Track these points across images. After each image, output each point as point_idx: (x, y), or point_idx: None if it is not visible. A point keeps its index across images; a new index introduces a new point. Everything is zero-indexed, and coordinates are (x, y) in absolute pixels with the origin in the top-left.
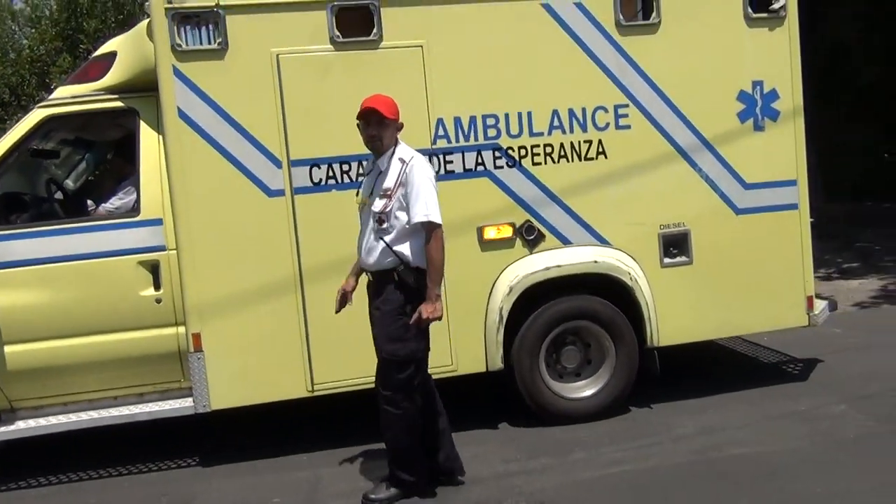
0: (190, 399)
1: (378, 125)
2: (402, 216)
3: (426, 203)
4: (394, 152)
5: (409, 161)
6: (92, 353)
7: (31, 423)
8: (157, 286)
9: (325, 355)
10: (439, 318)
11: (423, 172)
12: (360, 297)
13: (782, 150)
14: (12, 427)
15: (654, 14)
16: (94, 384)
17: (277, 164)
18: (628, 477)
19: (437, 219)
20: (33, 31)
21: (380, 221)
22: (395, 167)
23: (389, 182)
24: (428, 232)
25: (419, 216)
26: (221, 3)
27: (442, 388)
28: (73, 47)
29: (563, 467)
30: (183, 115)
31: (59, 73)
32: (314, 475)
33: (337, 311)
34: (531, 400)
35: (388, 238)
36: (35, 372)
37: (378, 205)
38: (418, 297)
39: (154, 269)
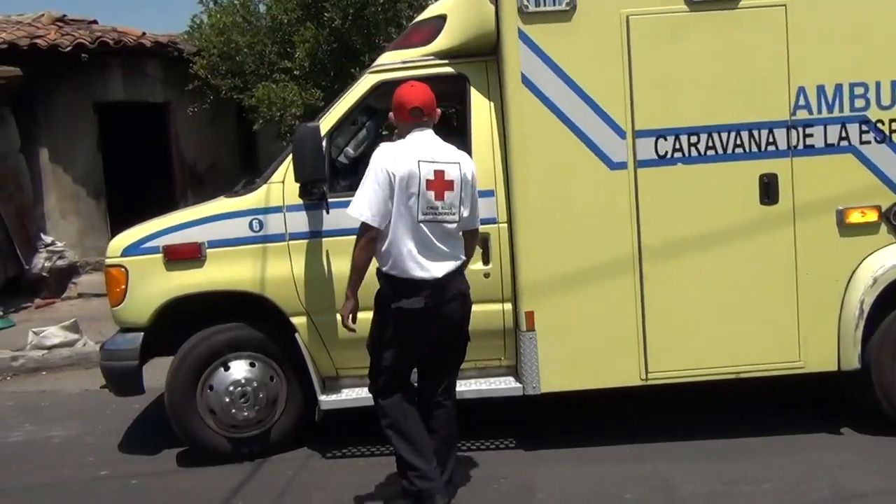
0: (512, 378)
1: None
2: None
3: (356, 196)
4: None
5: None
6: None
7: (356, 392)
8: (485, 260)
9: (662, 342)
10: (348, 322)
11: (371, 164)
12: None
13: None
14: (337, 397)
15: None
16: None
17: (621, 134)
18: None
19: (358, 214)
20: (273, 1)
21: None
22: None
23: None
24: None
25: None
26: None
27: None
28: (317, 16)
29: None
30: (526, 81)
31: (300, 41)
32: (653, 469)
33: None
34: (890, 405)
35: None
36: (360, 341)
37: None
38: (384, 299)
39: (484, 242)
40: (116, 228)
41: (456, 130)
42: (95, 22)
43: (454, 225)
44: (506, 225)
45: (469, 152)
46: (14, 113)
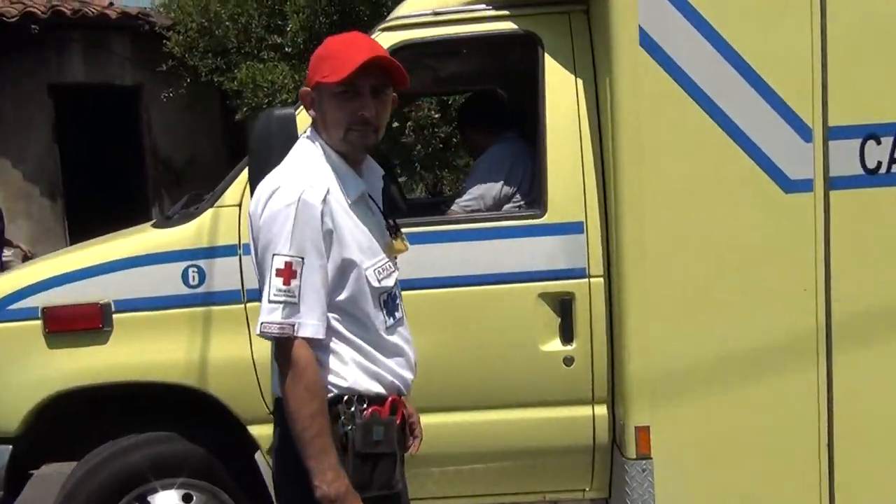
0: None
1: (388, 101)
2: None
3: None
4: None
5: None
6: (450, 437)
7: None
8: (566, 337)
9: (857, 469)
10: None
11: None
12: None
13: None
14: None
15: None
16: (445, 485)
17: (805, 133)
18: None
19: None
20: None
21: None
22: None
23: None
24: None
25: None
26: None
27: None
28: None
29: None
30: (647, 40)
31: (293, 11)
32: None
33: None
34: None
35: None
36: None
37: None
38: None
39: (564, 306)
40: (75, 234)
41: (519, 123)
42: None
43: None
44: (601, 280)
45: (542, 156)
46: None
